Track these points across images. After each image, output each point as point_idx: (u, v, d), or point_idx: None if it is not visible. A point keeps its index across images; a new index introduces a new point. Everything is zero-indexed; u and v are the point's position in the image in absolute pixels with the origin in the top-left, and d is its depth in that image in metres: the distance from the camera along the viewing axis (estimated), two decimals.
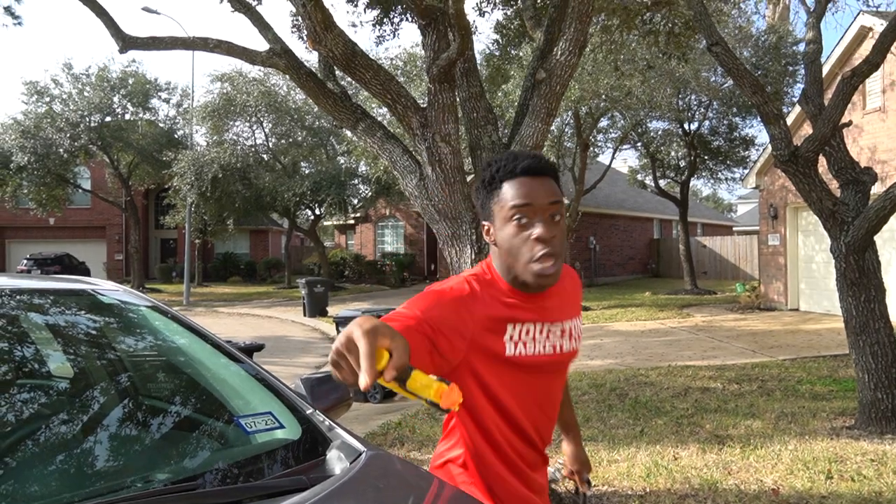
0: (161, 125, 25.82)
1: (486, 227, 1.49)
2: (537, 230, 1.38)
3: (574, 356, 1.58)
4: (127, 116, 24.59)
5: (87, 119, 23.01)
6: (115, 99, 23.87)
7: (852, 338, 5.23)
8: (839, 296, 5.35)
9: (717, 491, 3.92)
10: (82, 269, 26.54)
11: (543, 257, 1.38)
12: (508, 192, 1.41)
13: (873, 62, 5.20)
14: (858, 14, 11.40)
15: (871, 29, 10.94)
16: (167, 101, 25.74)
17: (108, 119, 23.80)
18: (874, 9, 10.06)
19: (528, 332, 1.46)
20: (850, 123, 5.74)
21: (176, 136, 25.66)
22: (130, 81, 23.87)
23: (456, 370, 1.42)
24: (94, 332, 2.01)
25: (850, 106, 10.01)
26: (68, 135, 22.11)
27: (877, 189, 5.51)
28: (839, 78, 5.50)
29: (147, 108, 24.93)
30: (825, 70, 11.44)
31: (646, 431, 5.21)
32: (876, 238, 5.30)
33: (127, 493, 1.33)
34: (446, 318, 1.35)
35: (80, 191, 26.39)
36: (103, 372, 1.92)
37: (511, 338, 1.44)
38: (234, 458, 1.56)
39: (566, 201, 20.45)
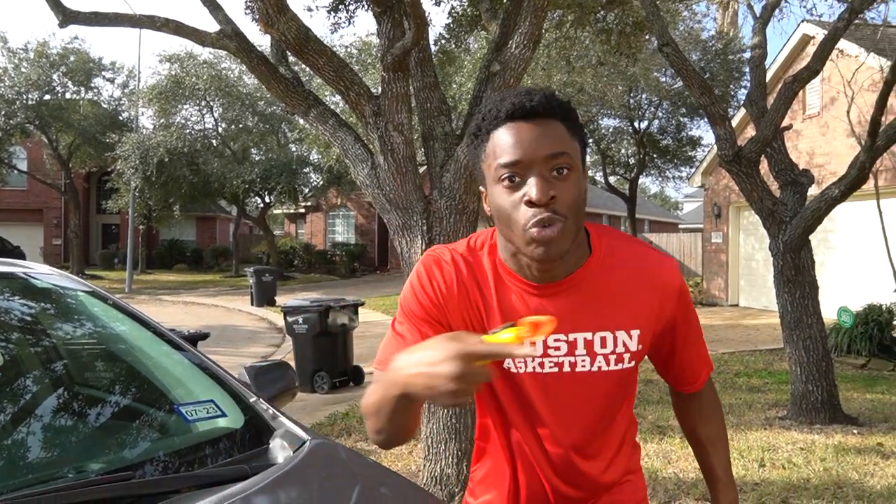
0: (105, 106, 24.88)
1: (483, 194, 1.15)
2: (530, 192, 1.04)
3: (608, 378, 1.20)
4: (67, 95, 23.60)
5: (24, 96, 22.00)
6: (55, 76, 22.88)
7: (787, 332, 5.45)
8: (776, 292, 5.56)
9: (658, 479, 4.03)
10: (17, 254, 25.32)
11: (538, 223, 1.03)
12: (494, 146, 1.08)
13: (813, 69, 5.41)
14: (801, 22, 11.82)
15: (812, 37, 11.36)
16: (111, 80, 24.85)
17: (46, 97, 22.80)
18: (817, 17, 10.45)
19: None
20: (790, 127, 5.96)
21: (120, 117, 24.77)
22: (71, 59, 22.91)
23: None
24: (26, 318, 1.92)
25: (790, 112, 10.39)
26: (3, 112, 21.13)
27: (813, 191, 5.74)
28: (782, 83, 5.70)
29: (89, 88, 24.00)
30: (769, 74, 11.80)
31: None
32: (812, 238, 5.52)
33: (58, 483, 1.28)
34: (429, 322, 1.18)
35: (14, 171, 25.25)
36: (36, 360, 1.85)
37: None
38: (174, 446, 1.53)
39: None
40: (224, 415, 1.61)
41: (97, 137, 22.73)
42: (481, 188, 1.16)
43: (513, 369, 1.20)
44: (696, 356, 1.32)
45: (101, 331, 2.02)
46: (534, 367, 1.18)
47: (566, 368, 1.18)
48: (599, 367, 1.18)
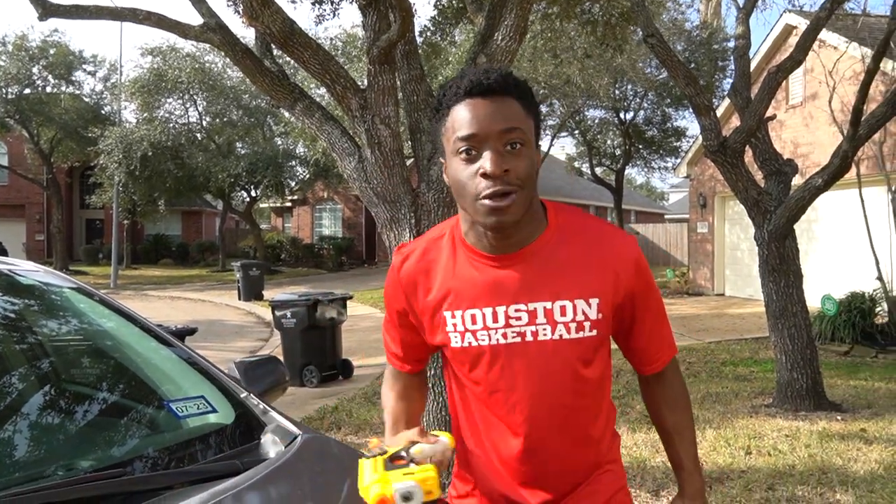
0: (86, 99, 24.57)
1: (444, 165, 1.21)
2: (484, 165, 1.10)
3: (571, 347, 1.21)
4: (48, 89, 23.28)
5: (4, 90, 21.68)
6: (35, 70, 22.56)
7: (772, 321, 5.51)
8: (761, 281, 5.62)
9: (646, 468, 4.07)
10: None
11: (492, 194, 1.09)
12: (453, 120, 1.14)
13: (796, 59, 5.45)
14: (784, 13, 11.89)
15: (795, 27, 11.43)
16: (93, 74, 24.53)
17: (27, 91, 22.47)
18: (798, 8, 10.52)
19: (473, 320, 1.21)
20: (774, 117, 6.01)
21: (103, 111, 24.48)
22: (52, 52, 22.60)
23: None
24: (11, 315, 1.91)
25: (774, 102, 10.46)
26: None
27: (798, 180, 5.80)
28: (765, 73, 5.74)
29: (70, 81, 23.68)
30: (753, 65, 11.89)
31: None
32: (796, 227, 5.58)
33: (47, 481, 1.27)
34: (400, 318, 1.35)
35: None
36: (22, 357, 1.83)
37: (455, 326, 1.23)
38: (165, 443, 1.52)
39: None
40: (215, 410, 1.60)
41: (79, 132, 22.46)
42: (441, 159, 1.22)
43: (474, 343, 1.22)
44: (657, 335, 1.32)
45: (88, 327, 2.00)
46: (497, 339, 1.20)
47: (528, 338, 1.20)
48: (561, 336, 1.20)
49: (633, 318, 1.28)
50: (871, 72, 5.13)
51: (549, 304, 1.19)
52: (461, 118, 1.13)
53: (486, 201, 1.10)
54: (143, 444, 1.56)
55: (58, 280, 2.01)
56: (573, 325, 1.20)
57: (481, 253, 1.21)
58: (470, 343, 1.22)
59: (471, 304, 1.21)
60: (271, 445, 1.48)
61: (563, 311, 1.19)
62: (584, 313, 1.20)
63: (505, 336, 1.20)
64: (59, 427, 1.60)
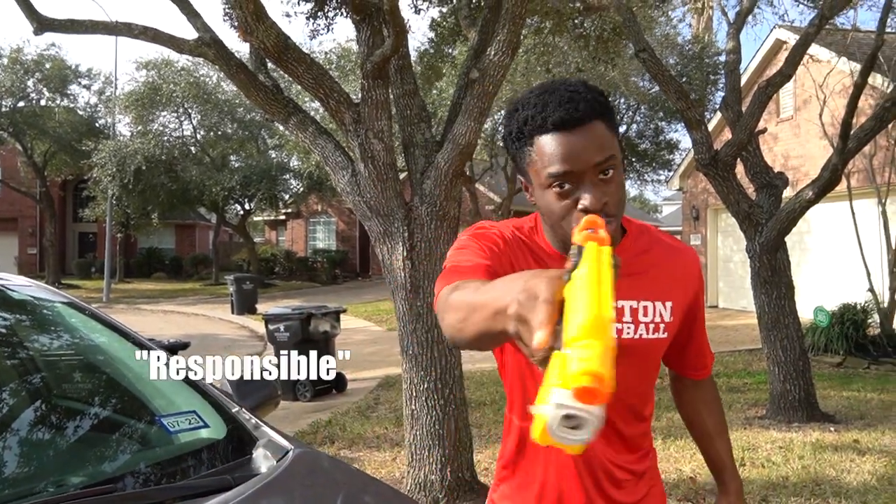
0: (81, 113, 24.55)
1: (524, 185, 1.18)
2: (584, 200, 1.07)
3: (651, 346, 1.24)
4: (43, 102, 23.27)
5: None
6: (30, 83, 22.56)
7: (764, 333, 5.53)
8: (753, 293, 5.65)
9: None
10: None
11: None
12: (541, 153, 1.09)
13: (785, 74, 5.51)
14: (774, 28, 12.03)
15: (785, 42, 11.55)
16: (88, 87, 24.55)
17: (21, 104, 22.46)
18: (789, 23, 10.65)
19: None
20: (765, 130, 6.06)
21: (97, 124, 24.47)
22: (47, 65, 22.61)
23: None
24: (2, 331, 1.90)
25: (766, 115, 10.55)
26: None
27: (789, 193, 5.85)
28: (755, 87, 5.80)
29: (65, 95, 23.68)
30: (744, 79, 12.01)
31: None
32: (787, 239, 5.62)
33: (38, 498, 1.27)
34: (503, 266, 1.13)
35: None
36: (13, 372, 1.82)
37: None
38: (156, 458, 1.52)
39: (495, 199, 20.79)
40: (206, 425, 1.60)
41: (73, 145, 22.43)
42: (522, 179, 1.18)
43: None
44: (706, 342, 1.38)
45: (80, 342, 2.00)
46: None
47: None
48: (641, 336, 1.22)
49: (692, 325, 1.32)
50: (859, 87, 5.20)
51: (634, 304, 1.21)
52: (551, 153, 1.08)
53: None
54: (134, 459, 1.56)
55: (49, 295, 2.01)
56: (651, 326, 1.22)
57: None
58: None
59: None
60: (263, 460, 1.48)
61: (644, 312, 1.22)
62: (661, 315, 1.23)
63: None
64: (49, 442, 1.60)
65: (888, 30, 8.39)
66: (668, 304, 1.23)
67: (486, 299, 0.85)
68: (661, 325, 1.23)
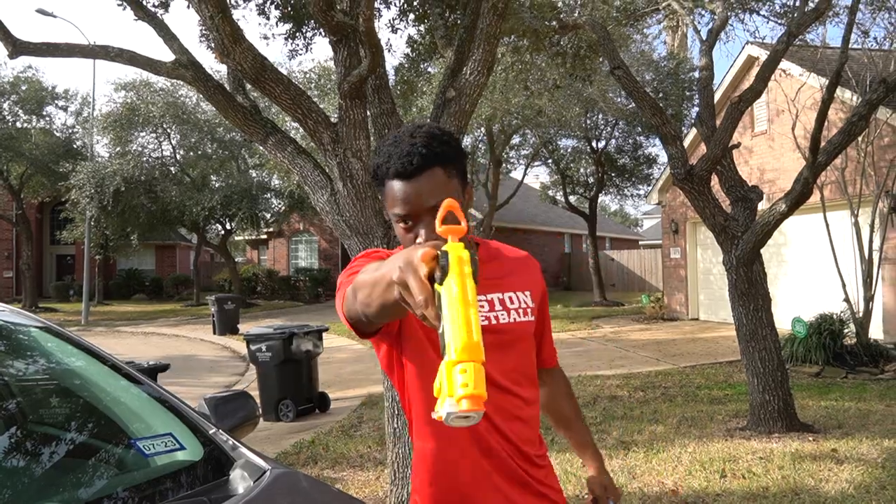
0: (58, 134, 24.33)
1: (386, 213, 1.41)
2: (420, 237, 1.29)
3: (524, 329, 1.45)
4: (18, 124, 23.03)
5: None
6: (6, 105, 22.35)
7: (743, 344, 5.59)
8: (731, 305, 5.72)
9: (623, 495, 4.08)
10: None
11: None
12: (388, 196, 1.31)
13: (756, 90, 5.63)
14: (746, 44, 12.29)
15: (757, 58, 11.81)
16: (65, 109, 24.35)
17: None
18: (760, 40, 10.89)
19: None
20: (738, 145, 6.17)
21: (75, 146, 24.25)
22: (23, 87, 22.43)
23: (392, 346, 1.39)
24: None
25: (741, 129, 10.73)
26: None
27: (764, 206, 5.95)
28: (728, 102, 5.92)
29: (41, 116, 23.47)
30: (719, 94, 12.25)
31: (556, 441, 5.35)
32: (763, 252, 5.71)
33: None
34: None
35: None
36: None
37: None
38: (132, 482, 1.51)
39: (476, 215, 20.90)
40: (183, 447, 1.59)
41: (50, 167, 22.19)
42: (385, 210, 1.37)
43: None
44: (551, 334, 1.64)
45: (56, 367, 1.98)
46: None
47: (493, 322, 1.41)
48: (515, 319, 1.43)
49: (542, 316, 1.56)
50: (826, 102, 5.33)
51: (500, 295, 1.43)
52: (394, 196, 1.30)
53: None
54: (110, 484, 1.55)
55: (24, 319, 2.00)
56: (521, 311, 1.45)
57: None
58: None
59: None
60: (240, 481, 1.48)
61: (511, 301, 1.44)
62: (525, 302, 1.46)
63: None
64: (24, 469, 1.58)
65: (855, 46, 8.61)
66: (528, 292, 1.47)
67: (381, 274, 1.05)
68: (529, 310, 1.46)
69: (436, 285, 0.90)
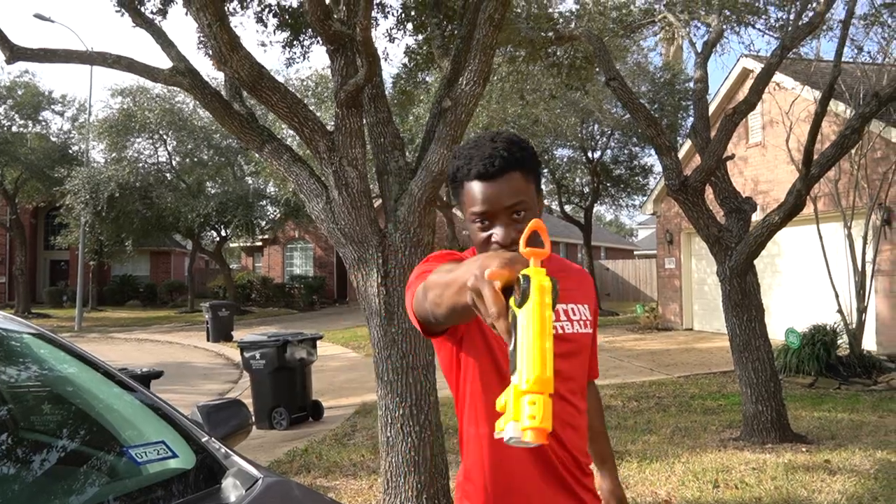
0: (53, 139, 24.30)
1: (463, 213, 1.45)
2: (495, 235, 1.35)
3: (584, 340, 1.50)
4: (14, 129, 22.99)
5: None
6: (1, 109, 22.31)
7: (736, 355, 5.61)
8: (724, 316, 5.74)
9: None
10: None
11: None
12: (468, 195, 1.37)
13: (750, 102, 5.67)
14: (741, 57, 12.38)
15: (752, 71, 11.89)
16: (61, 114, 24.33)
17: None
18: (755, 52, 10.98)
19: None
20: (732, 156, 6.21)
21: (70, 151, 24.21)
22: (20, 92, 22.40)
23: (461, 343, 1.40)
24: None
25: (735, 140, 10.79)
26: None
27: (758, 217, 5.98)
28: (723, 114, 5.96)
29: (37, 121, 23.44)
30: (714, 106, 12.32)
31: None
32: (758, 263, 5.73)
33: None
34: None
35: None
36: None
37: None
38: (124, 490, 1.51)
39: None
40: (175, 455, 1.59)
41: (45, 172, 22.14)
42: (458, 211, 1.36)
43: None
44: (597, 349, 1.66)
45: (48, 373, 1.98)
46: None
47: (558, 331, 1.43)
48: (577, 330, 1.48)
49: (595, 330, 1.58)
50: (819, 115, 5.37)
51: (565, 306, 1.48)
52: (473, 196, 1.36)
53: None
54: (101, 492, 1.55)
55: (17, 326, 1.99)
56: (581, 322, 1.49)
57: None
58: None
59: None
60: (232, 490, 1.48)
61: (574, 312, 1.49)
62: (584, 314, 1.51)
63: None
64: (15, 477, 1.58)
65: (848, 60, 8.69)
66: (587, 306, 1.53)
67: (454, 276, 1.09)
68: (588, 322, 1.51)
69: (512, 302, 0.91)
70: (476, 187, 1.36)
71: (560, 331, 1.43)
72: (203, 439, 1.68)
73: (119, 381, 1.91)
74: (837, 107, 9.62)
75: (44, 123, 23.96)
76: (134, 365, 8.41)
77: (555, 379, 1.34)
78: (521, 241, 1.00)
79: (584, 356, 1.50)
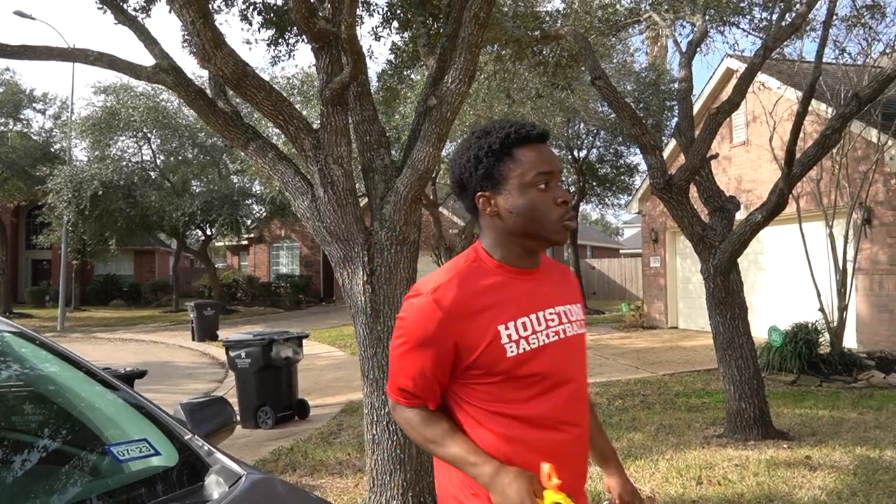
0: (35, 138, 24.03)
1: (486, 197, 1.42)
2: (561, 194, 1.40)
3: (583, 340, 1.53)
4: None
5: None
6: None
7: (720, 353, 5.66)
8: (708, 314, 5.79)
9: (601, 502, 4.10)
10: None
11: (570, 217, 1.42)
12: (529, 157, 1.39)
13: (733, 102, 5.72)
14: (725, 57, 12.48)
15: (736, 71, 11.99)
16: (43, 112, 24.05)
17: None
18: (739, 52, 11.07)
19: (525, 327, 1.40)
20: (716, 156, 6.26)
21: (52, 149, 23.95)
22: (0, 90, 22.13)
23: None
24: None
25: (719, 140, 10.88)
26: None
27: (742, 215, 6.03)
28: (707, 114, 6.01)
29: (18, 119, 23.16)
30: (699, 105, 12.41)
31: None
32: (742, 261, 5.78)
33: None
34: (442, 355, 1.38)
35: None
36: None
37: (510, 337, 1.37)
38: (105, 488, 1.50)
39: (458, 222, 20.96)
40: (158, 453, 1.59)
41: (27, 170, 21.89)
42: (486, 193, 1.42)
43: (527, 348, 1.39)
44: None
45: (30, 373, 1.96)
46: (544, 341, 1.41)
47: (561, 335, 1.45)
48: (577, 332, 1.50)
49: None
50: (800, 115, 5.43)
51: (567, 307, 1.49)
52: (538, 158, 1.40)
53: (568, 222, 1.41)
54: (83, 491, 1.54)
55: None
56: (577, 323, 1.51)
57: (515, 269, 1.45)
58: (524, 349, 1.38)
59: (517, 314, 1.40)
60: (215, 487, 1.47)
61: (571, 313, 1.50)
62: (578, 314, 1.53)
63: (548, 336, 1.42)
64: None
65: (830, 61, 8.79)
66: (578, 305, 1.54)
67: (459, 457, 1.37)
68: (582, 322, 1.54)
69: None
70: (537, 149, 1.40)
71: (563, 334, 1.45)
72: (186, 437, 1.67)
73: (101, 380, 1.90)
74: (820, 107, 9.74)
75: (25, 122, 23.73)
76: (117, 364, 8.33)
77: (566, 382, 1.45)
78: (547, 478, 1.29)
79: (584, 356, 1.53)
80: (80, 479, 1.61)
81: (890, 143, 9.22)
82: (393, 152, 4.14)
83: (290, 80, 16.45)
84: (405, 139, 4.28)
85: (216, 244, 28.80)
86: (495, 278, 1.42)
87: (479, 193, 1.42)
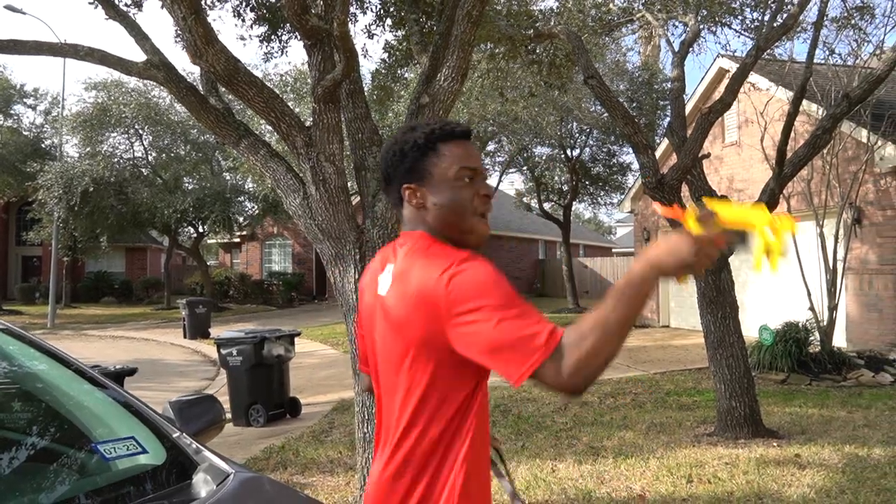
0: (25, 133, 23.87)
1: (412, 189, 1.43)
2: (483, 189, 1.43)
3: None
4: None
5: None
6: None
7: (711, 351, 5.68)
8: (699, 313, 5.81)
9: (591, 500, 4.11)
10: None
11: (489, 209, 1.45)
12: (454, 152, 1.42)
13: (725, 102, 5.74)
14: (717, 57, 12.53)
15: (728, 71, 12.03)
16: (33, 107, 23.90)
17: None
18: (731, 52, 11.11)
19: None
20: (708, 155, 6.29)
21: (43, 145, 23.80)
22: None
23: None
24: None
25: (711, 139, 10.92)
26: None
27: None
28: (698, 114, 6.03)
29: (9, 115, 23.01)
30: (691, 105, 12.45)
31: (527, 446, 5.38)
32: (733, 260, 5.80)
33: None
34: None
35: None
36: None
37: None
38: (91, 486, 1.49)
39: None
40: (145, 451, 1.58)
41: (17, 166, 21.74)
42: (411, 185, 1.43)
43: None
44: None
45: (17, 370, 1.95)
46: None
47: None
48: None
49: None
50: (791, 115, 5.46)
51: None
52: (461, 153, 1.43)
53: (485, 217, 1.44)
54: (70, 489, 1.53)
55: None
56: None
57: None
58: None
59: None
60: (202, 485, 1.47)
61: None
62: None
63: None
64: None
65: (820, 62, 8.83)
66: None
67: (623, 290, 1.25)
68: None
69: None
70: (461, 145, 1.43)
71: None
72: (174, 435, 1.66)
73: (90, 378, 1.89)
74: (811, 107, 9.78)
75: (15, 117, 23.59)
76: (108, 362, 8.29)
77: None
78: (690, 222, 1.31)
79: None
80: (66, 478, 1.60)
81: (880, 143, 9.28)
82: None
83: (283, 78, 16.40)
84: None
85: (208, 241, 28.69)
86: None
87: (406, 185, 1.44)
